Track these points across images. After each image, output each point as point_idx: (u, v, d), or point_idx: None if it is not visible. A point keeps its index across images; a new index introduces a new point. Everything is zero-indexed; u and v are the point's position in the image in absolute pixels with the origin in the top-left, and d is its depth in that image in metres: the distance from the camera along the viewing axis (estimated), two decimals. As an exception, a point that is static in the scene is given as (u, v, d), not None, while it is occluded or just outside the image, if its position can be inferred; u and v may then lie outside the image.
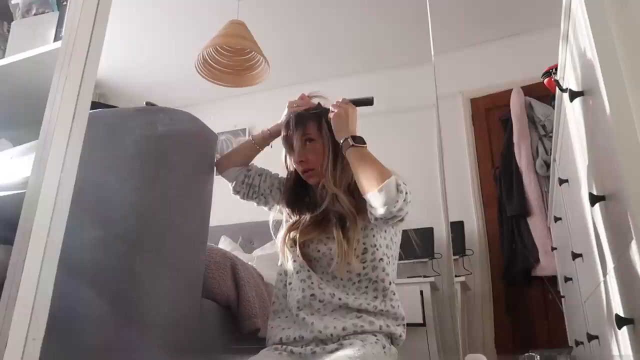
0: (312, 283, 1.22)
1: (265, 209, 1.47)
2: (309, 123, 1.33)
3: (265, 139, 1.48)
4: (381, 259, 1.23)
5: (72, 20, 0.91)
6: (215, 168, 1.46)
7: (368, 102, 1.37)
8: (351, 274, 1.23)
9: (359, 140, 1.23)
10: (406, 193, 1.12)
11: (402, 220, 1.17)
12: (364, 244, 1.23)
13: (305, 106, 1.40)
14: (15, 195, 0.87)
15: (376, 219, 1.16)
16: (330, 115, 1.31)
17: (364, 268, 1.22)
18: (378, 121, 3.52)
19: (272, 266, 1.40)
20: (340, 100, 1.33)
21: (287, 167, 1.42)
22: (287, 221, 1.37)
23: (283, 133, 1.37)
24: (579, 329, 1.89)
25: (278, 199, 1.43)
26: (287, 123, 1.37)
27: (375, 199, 1.12)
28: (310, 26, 3.56)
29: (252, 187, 1.44)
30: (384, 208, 1.10)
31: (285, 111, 1.42)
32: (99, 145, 1.20)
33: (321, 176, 1.31)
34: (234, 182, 1.45)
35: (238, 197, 1.47)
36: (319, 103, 1.40)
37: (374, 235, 1.25)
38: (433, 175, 3.23)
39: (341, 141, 1.25)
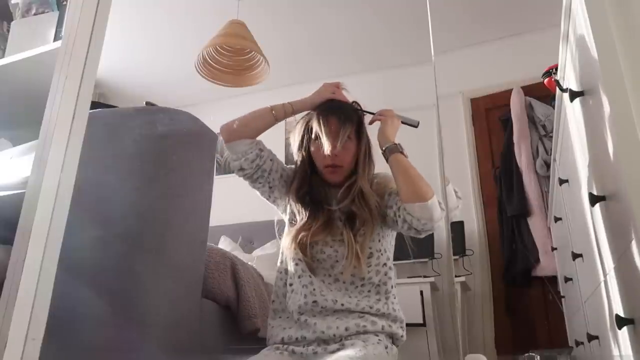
0: (314, 289, 1.20)
1: (261, 197, 1.35)
2: (354, 122, 1.30)
3: (286, 114, 1.33)
4: (385, 264, 1.24)
5: (72, 20, 0.91)
6: (220, 134, 1.32)
7: (413, 124, 1.40)
8: (354, 277, 1.22)
9: (403, 150, 1.26)
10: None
11: (430, 232, 1.20)
12: (370, 248, 1.23)
13: (340, 97, 1.36)
14: (15, 195, 0.87)
15: (410, 227, 1.17)
16: (375, 118, 1.35)
17: (368, 272, 1.22)
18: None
19: (272, 266, 1.39)
20: (388, 110, 1.36)
21: (301, 149, 1.33)
22: (291, 219, 1.31)
23: (322, 116, 1.28)
24: (579, 329, 1.89)
25: (284, 192, 1.33)
26: (331, 110, 1.30)
27: (424, 211, 1.15)
28: (310, 26, 3.56)
29: (262, 170, 1.30)
30: (431, 222, 1.15)
31: (318, 89, 1.36)
32: (99, 145, 1.19)
33: (343, 176, 1.28)
34: (242, 159, 1.27)
35: (238, 173, 1.31)
36: (357, 102, 1.38)
37: (379, 240, 1.24)
38: (433, 175, 3.22)
39: (387, 145, 1.26)
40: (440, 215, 1.17)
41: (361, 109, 1.37)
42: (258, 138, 1.32)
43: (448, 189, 1.16)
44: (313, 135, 1.29)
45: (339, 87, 1.38)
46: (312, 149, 1.30)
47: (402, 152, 1.25)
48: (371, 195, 1.25)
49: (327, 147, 1.23)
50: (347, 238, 1.21)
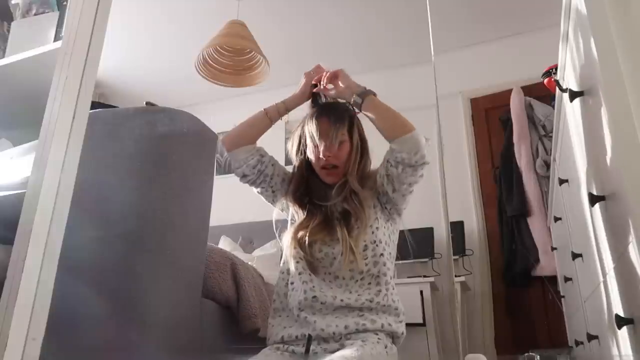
0: (313, 286, 1.22)
1: (265, 200, 1.40)
2: (345, 122, 1.31)
3: (280, 114, 1.39)
4: (382, 254, 1.24)
5: (72, 20, 0.91)
6: (222, 145, 1.37)
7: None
8: (353, 272, 1.23)
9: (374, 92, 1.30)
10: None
11: (424, 166, 1.23)
12: (364, 241, 1.24)
13: (320, 74, 1.39)
14: (15, 195, 0.87)
15: (404, 166, 1.21)
16: (326, 79, 1.35)
17: (366, 264, 1.23)
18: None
19: (272, 266, 1.40)
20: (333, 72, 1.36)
21: (298, 153, 1.36)
22: (292, 220, 1.35)
23: (315, 119, 1.31)
24: (579, 329, 1.89)
25: (285, 194, 1.37)
26: (323, 111, 1.33)
27: (411, 142, 1.20)
28: (310, 26, 3.56)
29: (264, 175, 1.35)
30: (420, 151, 1.20)
31: (303, 81, 1.40)
32: (99, 145, 1.20)
33: (340, 176, 1.30)
34: (244, 165, 1.33)
35: (242, 180, 1.37)
36: (346, 103, 1.38)
37: (373, 232, 1.25)
38: (433, 175, 3.22)
39: (359, 93, 1.29)
40: (423, 143, 1.22)
41: (349, 106, 1.37)
42: (259, 143, 1.38)
43: (416, 130, 1.24)
44: (308, 140, 1.32)
45: (319, 66, 1.42)
46: (308, 151, 1.33)
47: (373, 94, 1.29)
48: (361, 191, 1.27)
49: (322, 148, 1.28)
50: (341, 235, 1.22)
